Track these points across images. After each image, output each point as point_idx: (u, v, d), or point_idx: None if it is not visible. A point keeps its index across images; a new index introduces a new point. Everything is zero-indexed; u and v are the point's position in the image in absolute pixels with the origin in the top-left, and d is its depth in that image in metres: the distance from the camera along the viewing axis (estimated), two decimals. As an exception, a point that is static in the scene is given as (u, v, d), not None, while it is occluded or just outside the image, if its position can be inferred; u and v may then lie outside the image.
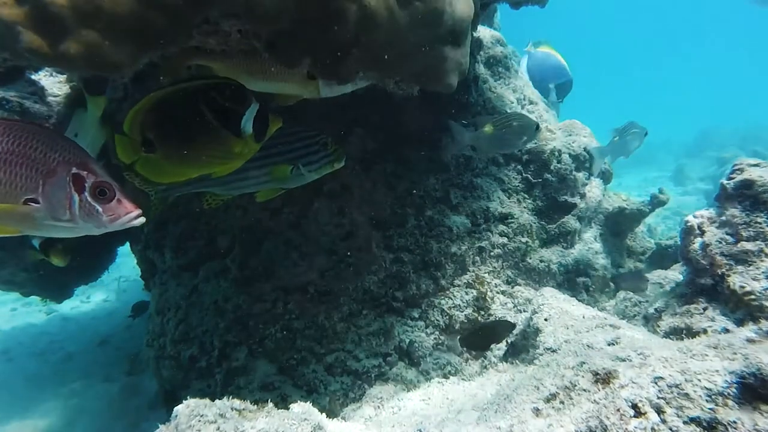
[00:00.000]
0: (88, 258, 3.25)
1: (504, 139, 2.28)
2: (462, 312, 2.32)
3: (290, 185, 1.85)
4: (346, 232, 2.33)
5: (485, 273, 2.45)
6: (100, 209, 1.24)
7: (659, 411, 0.98)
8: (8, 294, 4.12)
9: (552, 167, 2.72)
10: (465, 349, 2.29)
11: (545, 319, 1.99)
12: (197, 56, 1.57)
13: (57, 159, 1.24)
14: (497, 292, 2.44)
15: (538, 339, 1.97)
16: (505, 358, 2.22)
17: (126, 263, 4.67)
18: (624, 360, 1.14)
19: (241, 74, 1.63)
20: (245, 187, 1.82)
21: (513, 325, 2.16)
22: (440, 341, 2.29)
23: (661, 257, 3.06)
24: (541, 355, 1.86)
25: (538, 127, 2.30)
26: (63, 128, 2.28)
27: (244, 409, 1.19)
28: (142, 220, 1.26)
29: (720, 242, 1.95)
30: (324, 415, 1.32)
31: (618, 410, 1.01)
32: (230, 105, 1.43)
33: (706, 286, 1.99)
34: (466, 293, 2.37)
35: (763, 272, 1.83)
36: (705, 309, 1.96)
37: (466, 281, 2.39)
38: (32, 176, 1.22)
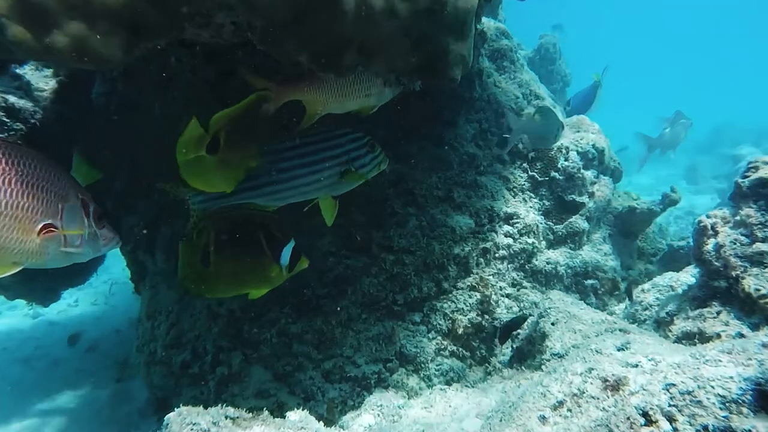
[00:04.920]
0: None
1: (545, 130, 2.30)
2: (465, 316, 2.32)
3: (340, 191, 1.86)
4: (345, 232, 2.33)
5: (489, 275, 2.45)
6: (99, 234, 1.32)
7: (671, 419, 0.98)
8: (-8, 297, 4.11)
9: (559, 165, 2.72)
10: (469, 354, 2.29)
11: (552, 324, 2.00)
12: (291, 92, 1.67)
13: (67, 184, 1.27)
14: (502, 296, 2.44)
15: (544, 344, 1.97)
16: (510, 363, 2.23)
17: (115, 265, 4.67)
18: (634, 366, 1.14)
19: (331, 101, 1.71)
20: (292, 195, 1.82)
21: None
22: (443, 346, 2.29)
23: (673, 259, 3.06)
24: (548, 360, 1.87)
25: (562, 125, 2.33)
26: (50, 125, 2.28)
27: (238, 417, 1.19)
28: (120, 243, 1.46)
29: (734, 243, 1.95)
30: (322, 423, 1.32)
31: (628, 418, 1.01)
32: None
33: (719, 288, 1.99)
34: (470, 296, 2.37)
35: (779, 274, 1.83)
36: (719, 313, 1.96)
37: (469, 284, 2.39)
38: (52, 200, 1.25)
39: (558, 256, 2.65)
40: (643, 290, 2.57)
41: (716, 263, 1.99)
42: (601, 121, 3.07)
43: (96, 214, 1.33)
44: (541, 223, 2.65)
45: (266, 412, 1.24)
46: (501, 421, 1.27)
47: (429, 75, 1.74)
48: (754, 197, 1.96)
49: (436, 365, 2.26)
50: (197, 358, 2.32)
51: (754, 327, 1.83)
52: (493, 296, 2.40)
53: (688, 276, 2.44)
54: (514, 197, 2.64)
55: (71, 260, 1.36)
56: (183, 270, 1.71)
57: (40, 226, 1.24)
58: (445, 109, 2.54)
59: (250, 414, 1.22)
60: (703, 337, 1.90)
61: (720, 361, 1.05)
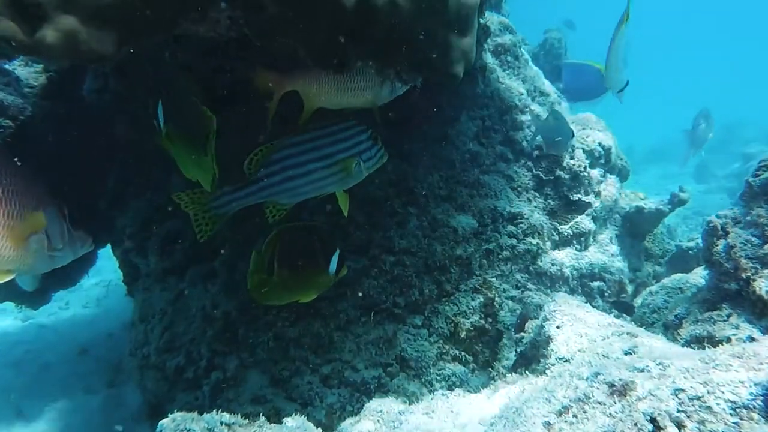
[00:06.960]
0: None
1: (559, 134, 2.32)
2: (468, 319, 2.32)
3: (350, 184, 1.91)
4: (344, 232, 2.33)
5: (493, 277, 2.45)
6: (75, 236, 1.34)
7: (680, 425, 0.98)
8: (-19, 300, 4.11)
9: (564, 164, 2.72)
10: (471, 358, 2.29)
11: (557, 327, 1.99)
12: (289, 83, 1.70)
13: (41, 188, 1.28)
14: (506, 298, 2.44)
15: (549, 348, 1.96)
16: (514, 368, 2.22)
17: (107, 267, 4.67)
18: (642, 370, 1.14)
19: (328, 95, 1.75)
20: (309, 191, 1.87)
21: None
22: (444, 350, 2.29)
23: (682, 260, 3.06)
24: (553, 365, 1.86)
25: (573, 133, 2.34)
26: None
27: (233, 424, 1.19)
28: (93, 246, 1.49)
29: (745, 244, 1.95)
30: (320, 429, 1.32)
31: (635, 424, 1.01)
32: None
33: (730, 291, 1.99)
34: (473, 299, 2.36)
35: (791, 276, 1.83)
36: (729, 316, 1.95)
37: (472, 286, 2.39)
38: (35, 206, 1.26)
39: (563, 257, 2.65)
40: (651, 292, 2.57)
41: (726, 265, 1.99)
42: (605, 118, 3.07)
43: (70, 217, 1.35)
44: (546, 224, 2.65)
45: (263, 418, 1.24)
46: (505, 427, 1.27)
47: (430, 71, 1.74)
48: (766, 197, 1.95)
49: (438, 370, 2.26)
50: (192, 363, 2.32)
51: (766, 330, 1.83)
52: (497, 299, 2.40)
53: (697, 278, 2.44)
54: (518, 197, 2.64)
55: (54, 264, 1.37)
56: (252, 280, 1.84)
57: (29, 232, 1.24)
58: (447, 106, 2.54)
59: (246, 420, 1.22)
60: (712, 341, 1.90)
61: (730, 365, 1.05)
